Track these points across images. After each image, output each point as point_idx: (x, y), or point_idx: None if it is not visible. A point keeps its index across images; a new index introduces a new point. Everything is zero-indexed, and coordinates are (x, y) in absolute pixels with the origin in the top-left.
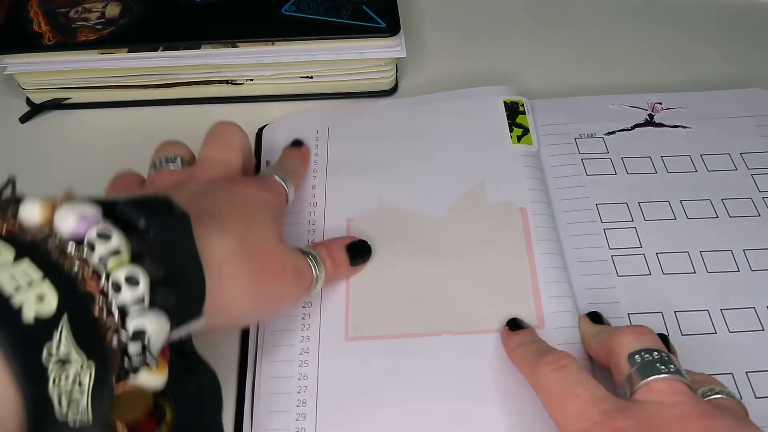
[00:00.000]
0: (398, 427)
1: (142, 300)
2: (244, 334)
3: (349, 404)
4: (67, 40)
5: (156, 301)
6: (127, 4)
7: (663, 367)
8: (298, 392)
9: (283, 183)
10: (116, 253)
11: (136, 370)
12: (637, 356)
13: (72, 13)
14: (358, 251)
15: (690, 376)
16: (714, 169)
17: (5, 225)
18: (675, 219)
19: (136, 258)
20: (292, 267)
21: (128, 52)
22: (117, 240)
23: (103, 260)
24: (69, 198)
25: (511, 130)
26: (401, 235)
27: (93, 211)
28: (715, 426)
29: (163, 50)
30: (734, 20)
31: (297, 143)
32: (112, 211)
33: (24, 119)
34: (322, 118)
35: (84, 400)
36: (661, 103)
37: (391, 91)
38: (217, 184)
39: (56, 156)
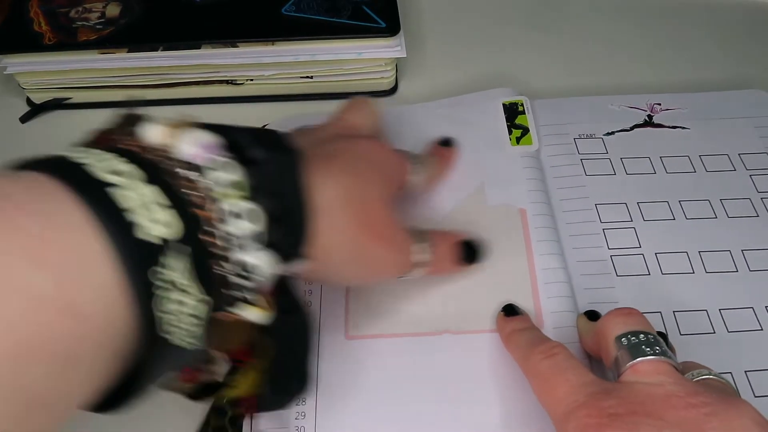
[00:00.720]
0: (398, 426)
1: (256, 235)
2: None
3: (349, 403)
4: (67, 40)
5: (268, 238)
6: (128, 4)
7: (648, 349)
8: None
9: (411, 164)
10: (235, 185)
11: (242, 304)
12: (623, 339)
13: (72, 13)
14: (471, 252)
15: (681, 364)
16: (713, 169)
17: (130, 145)
18: (674, 219)
19: (253, 190)
20: (399, 239)
21: (128, 52)
22: (235, 172)
23: (222, 191)
24: (188, 124)
25: (510, 132)
26: None
27: (214, 140)
28: (699, 403)
29: (164, 50)
30: (733, 21)
31: (445, 141)
32: (227, 139)
33: (24, 119)
34: (320, 118)
35: (194, 326)
36: (660, 104)
37: (391, 91)
38: (342, 135)
39: None
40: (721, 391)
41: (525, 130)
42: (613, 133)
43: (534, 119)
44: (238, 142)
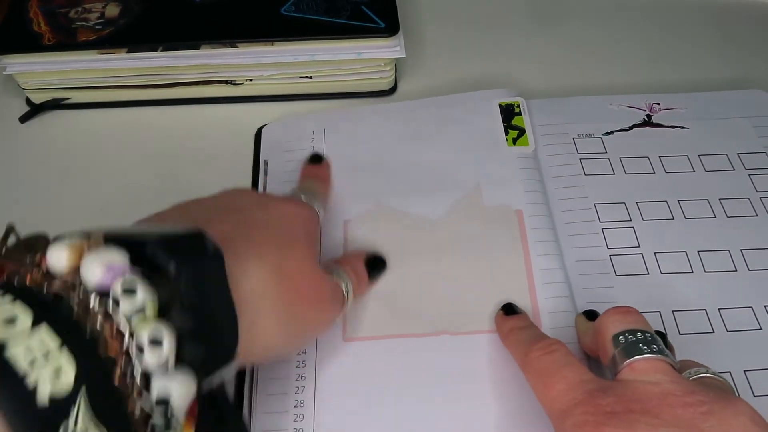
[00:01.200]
0: (396, 427)
1: (167, 362)
2: None
3: (347, 405)
4: (66, 41)
5: (183, 359)
6: (127, 4)
7: (645, 347)
8: (296, 393)
9: (309, 203)
10: (144, 308)
11: None
12: (621, 337)
13: (72, 14)
14: (376, 265)
15: (678, 362)
16: (711, 169)
17: (30, 274)
18: (673, 219)
19: (163, 309)
20: (327, 290)
21: (128, 52)
22: (143, 295)
23: (127, 318)
24: (97, 241)
25: (506, 133)
26: (398, 237)
27: (120, 260)
28: (695, 402)
29: (163, 50)
30: (733, 21)
31: (315, 158)
32: (141, 251)
33: (24, 119)
34: (319, 118)
35: None
36: (659, 104)
37: (391, 91)
38: (252, 198)
39: (56, 156)
40: (719, 389)
41: (521, 132)
42: (612, 132)
43: (531, 120)
44: (149, 256)
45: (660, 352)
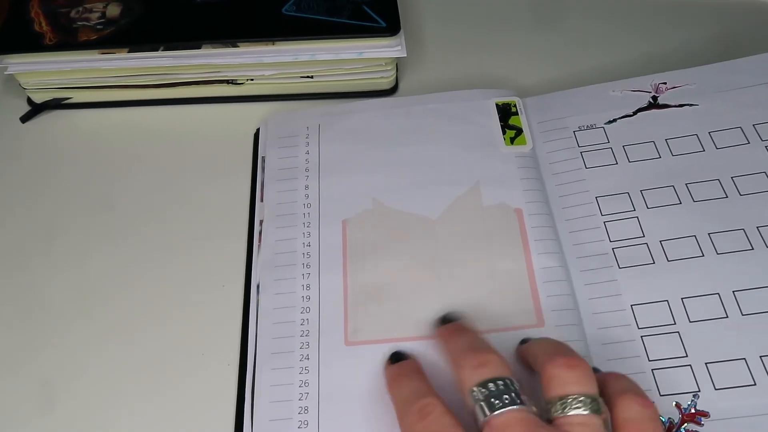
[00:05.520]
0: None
1: None
2: (243, 343)
3: (352, 409)
4: (67, 40)
5: None
6: (128, 4)
7: (497, 401)
8: (299, 399)
9: None
10: None
11: None
12: (474, 391)
13: (73, 13)
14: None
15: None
16: (723, 145)
17: None
18: (680, 204)
19: None
20: None
21: (129, 52)
22: None
23: None
24: None
25: (504, 132)
26: (397, 237)
27: None
28: None
29: (164, 50)
30: (733, 20)
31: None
32: None
33: (25, 119)
34: (313, 114)
35: None
36: (665, 83)
37: (392, 91)
38: None
39: (57, 156)
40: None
41: (518, 131)
42: (614, 120)
43: (529, 118)
44: None
45: (512, 402)
